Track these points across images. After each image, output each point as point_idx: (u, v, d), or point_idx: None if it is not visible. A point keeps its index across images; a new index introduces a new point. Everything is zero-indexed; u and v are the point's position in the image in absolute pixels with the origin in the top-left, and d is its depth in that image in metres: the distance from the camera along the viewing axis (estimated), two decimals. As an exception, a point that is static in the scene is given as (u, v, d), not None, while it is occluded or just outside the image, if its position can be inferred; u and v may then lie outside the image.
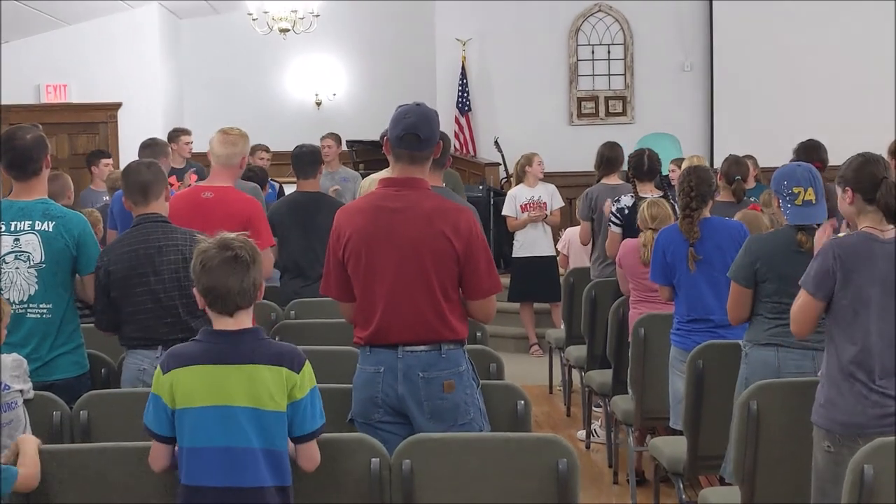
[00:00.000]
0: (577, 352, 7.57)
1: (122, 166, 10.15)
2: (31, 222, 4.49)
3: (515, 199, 9.96)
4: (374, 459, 3.51)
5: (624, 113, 13.98)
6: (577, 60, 13.96)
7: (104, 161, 9.71)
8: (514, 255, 10.10)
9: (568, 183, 11.29)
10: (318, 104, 15.27)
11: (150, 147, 7.20)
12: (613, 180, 7.89)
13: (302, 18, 13.03)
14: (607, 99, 14.02)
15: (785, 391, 4.35)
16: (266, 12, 12.92)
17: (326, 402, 3.92)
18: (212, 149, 5.65)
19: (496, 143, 13.09)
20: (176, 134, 9.14)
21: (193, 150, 9.20)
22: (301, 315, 6.15)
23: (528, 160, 9.94)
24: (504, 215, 10.09)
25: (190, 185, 6.59)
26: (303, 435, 3.39)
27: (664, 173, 8.23)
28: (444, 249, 3.92)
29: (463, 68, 13.76)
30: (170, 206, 5.51)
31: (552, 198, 9.92)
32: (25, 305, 4.45)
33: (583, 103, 13.99)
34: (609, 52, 13.97)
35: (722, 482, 5.08)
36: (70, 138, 13.52)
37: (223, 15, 14.66)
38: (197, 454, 3.29)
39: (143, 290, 4.57)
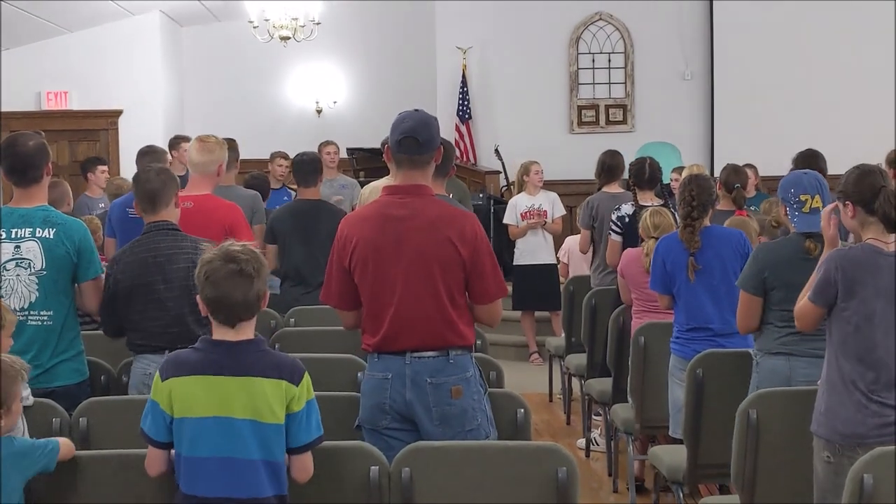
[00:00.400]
0: (577, 360, 7.57)
1: (123, 174, 10.19)
2: (31, 229, 4.49)
3: (516, 208, 9.97)
4: (373, 467, 3.51)
5: (624, 121, 13.98)
6: (578, 69, 13.96)
7: (100, 168, 9.70)
8: (514, 264, 10.10)
9: (568, 191, 11.29)
10: (319, 112, 15.29)
11: (148, 154, 7.20)
12: (614, 189, 7.88)
13: (303, 26, 13.05)
14: (608, 107, 14.02)
15: (785, 400, 4.35)
16: (267, 20, 12.94)
17: (327, 409, 3.93)
18: (189, 157, 5.69)
19: (496, 150, 13.09)
20: (177, 141, 9.13)
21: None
22: (301, 322, 6.15)
23: (525, 169, 9.96)
24: (505, 223, 10.11)
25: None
26: (298, 446, 3.39)
27: (665, 182, 8.23)
28: (450, 256, 3.93)
29: (463, 76, 13.76)
30: None
31: (553, 206, 9.92)
32: (26, 312, 4.44)
33: (583, 111, 13.99)
34: (609, 60, 13.97)
35: (722, 491, 5.08)
36: (71, 145, 13.54)
37: (224, 22, 14.68)
38: (197, 463, 3.29)
39: (151, 299, 4.58)
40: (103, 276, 4.70)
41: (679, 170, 9.13)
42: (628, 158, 7.90)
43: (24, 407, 3.90)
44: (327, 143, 10.25)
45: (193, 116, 14.56)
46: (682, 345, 5.51)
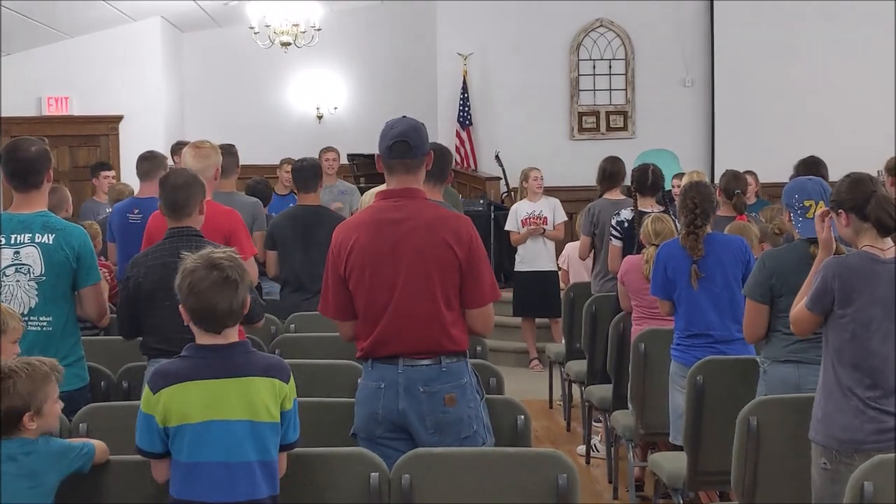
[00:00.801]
0: (578, 366, 7.56)
1: (124, 179, 10.19)
2: (31, 235, 4.49)
3: (517, 214, 9.99)
4: (373, 474, 3.50)
5: (625, 128, 13.99)
6: (579, 75, 13.97)
7: (104, 173, 9.71)
8: (515, 270, 10.10)
9: (569, 197, 11.28)
10: (320, 117, 15.29)
11: (148, 160, 7.19)
12: (615, 195, 7.88)
13: (303, 32, 13.05)
14: (608, 114, 14.03)
15: (785, 407, 4.34)
16: (268, 26, 12.93)
17: (326, 415, 3.93)
18: (185, 164, 5.69)
19: (497, 157, 13.09)
20: (178, 147, 9.11)
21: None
22: (301, 328, 6.15)
23: (525, 175, 10.00)
24: (507, 230, 10.12)
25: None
26: (286, 444, 3.42)
27: (667, 188, 8.23)
28: (447, 258, 3.93)
29: (464, 82, 13.77)
30: (150, 225, 5.52)
31: (554, 212, 9.92)
32: (26, 318, 4.42)
33: (584, 118, 14.00)
34: (610, 67, 13.99)
35: (723, 498, 5.07)
36: (71, 151, 13.54)
37: (225, 28, 14.69)
38: (194, 469, 3.29)
39: (170, 304, 4.55)
40: (102, 282, 4.70)
41: (680, 176, 9.14)
42: (629, 165, 7.90)
43: None
44: (328, 149, 10.24)
45: (194, 122, 14.57)
46: (683, 351, 5.51)
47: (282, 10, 12.92)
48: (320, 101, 15.26)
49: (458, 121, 13.74)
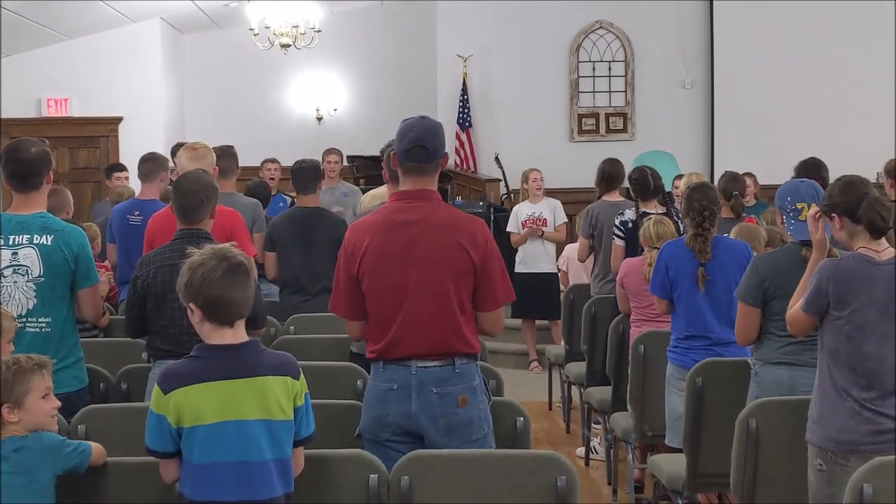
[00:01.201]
0: (577, 368, 7.56)
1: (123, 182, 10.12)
2: (29, 236, 4.48)
3: (517, 216, 10.00)
4: (372, 476, 3.50)
5: (624, 130, 13.98)
6: (578, 77, 13.96)
7: (117, 174, 9.67)
8: (515, 271, 10.10)
9: (568, 199, 11.27)
10: (319, 119, 15.29)
11: (149, 161, 7.20)
12: (615, 197, 7.87)
13: (303, 34, 13.05)
14: (608, 115, 14.02)
15: (784, 409, 4.34)
16: (267, 27, 12.94)
17: (326, 417, 3.92)
18: (181, 165, 5.73)
19: (497, 158, 13.09)
20: (178, 149, 9.09)
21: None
22: (301, 330, 6.15)
23: (525, 177, 10.01)
24: (508, 231, 10.13)
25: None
26: (300, 440, 3.41)
27: (667, 190, 8.22)
28: (462, 261, 3.92)
29: (464, 84, 13.76)
30: (150, 226, 5.53)
31: (554, 213, 9.93)
32: (24, 319, 4.43)
33: (583, 120, 13.99)
34: (610, 68, 13.98)
35: (722, 500, 5.07)
36: (71, 152, 13.55)
37: (225, 30, 14.69)
38: (209, 469, 3.27)
39: (179, 306, 4.53)
40: (100, 284, 4.69)
41: (681, 178, 9.12)
42: (628, 167, 7.89)
43: None
44: (330, 150, 10.22)
45: (194, 123, 14.57)
46: (681, 354, 5.50)
47: (281, 12, 12.93)
48: (320, 102, 15.26)
49: (458, 122, 13.73)
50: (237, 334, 3.37)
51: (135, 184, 8.17)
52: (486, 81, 13.90)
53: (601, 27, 13.96)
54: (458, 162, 13.61)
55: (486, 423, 3.99)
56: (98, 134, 13.72)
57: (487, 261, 3.95)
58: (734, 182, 6.93)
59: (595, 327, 7.16)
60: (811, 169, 6.35)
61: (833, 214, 3.98)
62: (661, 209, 7.03)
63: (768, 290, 4.63)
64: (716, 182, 8.63)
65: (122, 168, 10.01)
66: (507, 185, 12.97)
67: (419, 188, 4.01)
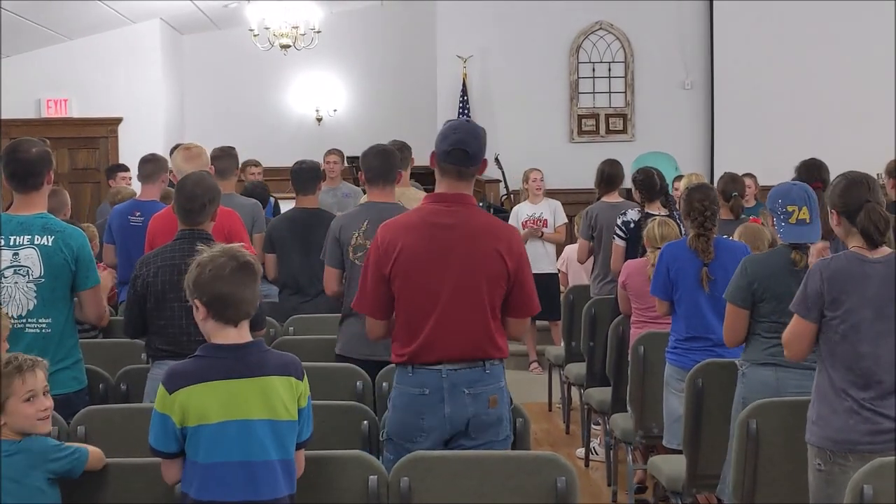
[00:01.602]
0: (577, 369, 7.55)
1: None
2: (30, 237, 4.48)
3: (518, 216, 9.99)
4: (371, 476, 3.50)
5: (624, 130, 13.98)
6: (578, 78, 13.97)
7: (120, 175, 9.65)
8: (514, 272, 10.08)
9: (568, 200, 11.26)
10: (319, 120, 15.30)
11: (150, 162, 7.20)
12: (614, 198, 7.87)
13: (303, 34, 13.06)
14: (608, 116, 14.03)
15: (784, 410, 4.34)
16: (267, 28, 12.94)
17: (326, 418, 3.92)
18: (177, 167, 5.78)
19: (496, 159, 13.08)
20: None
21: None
22: (300, 331, 6.14)
23: (525, 176, 10.01)
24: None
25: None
26: (301, 442, 3.40)
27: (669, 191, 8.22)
28: (497, 267, 3.91)
29: (464, 85, 13.76)
30: (152, 227, 5.54)
31: (555, 214, 9.93)
32: (24, 320, 4.43)
33: (583, 120, 13.99)
34: (610, 69, 13.98)
35: (720, 502, 5.07)
36: (70, 153, 13.55)
37: (224, 30, 14.69)
38: (214, 469, 3.26)
39: (179, 306, 4.54)
40: (101, 285, 4.69)
41: (680, 178, 9.12)
42: (628, 168, 7.89)
43: None
44: (331, 151, 10.21)
45: (193, 124, 14.58)
46: (681, 355, 5.50)
47: (281, 13, 12.94)
48: (320, 103, 15.27)
49: (458, 123, 13.70)
50: (241, 334, 3.36)
51: (134, 184, 8.17)
52: (486, 82, 13.90)
53: (601, 28, 13.97)
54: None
55: (510, 423, 4.01)
56: (98, 135, 13.73)
57: (521, 269, 3.96)
58: (733, 183, 6.93)
59: (595, 328, 7.15)
60: (812, 170, 6.35)
61: (833, 211, 3.98)
62: (664, 211, 7.02)
63: (756, 292, 4.64)
64: (715, 183, 8.63)
65: (126, 168, 9.99)
66: (506, 186, 12.98)
67: (456, 192, 3.99)
